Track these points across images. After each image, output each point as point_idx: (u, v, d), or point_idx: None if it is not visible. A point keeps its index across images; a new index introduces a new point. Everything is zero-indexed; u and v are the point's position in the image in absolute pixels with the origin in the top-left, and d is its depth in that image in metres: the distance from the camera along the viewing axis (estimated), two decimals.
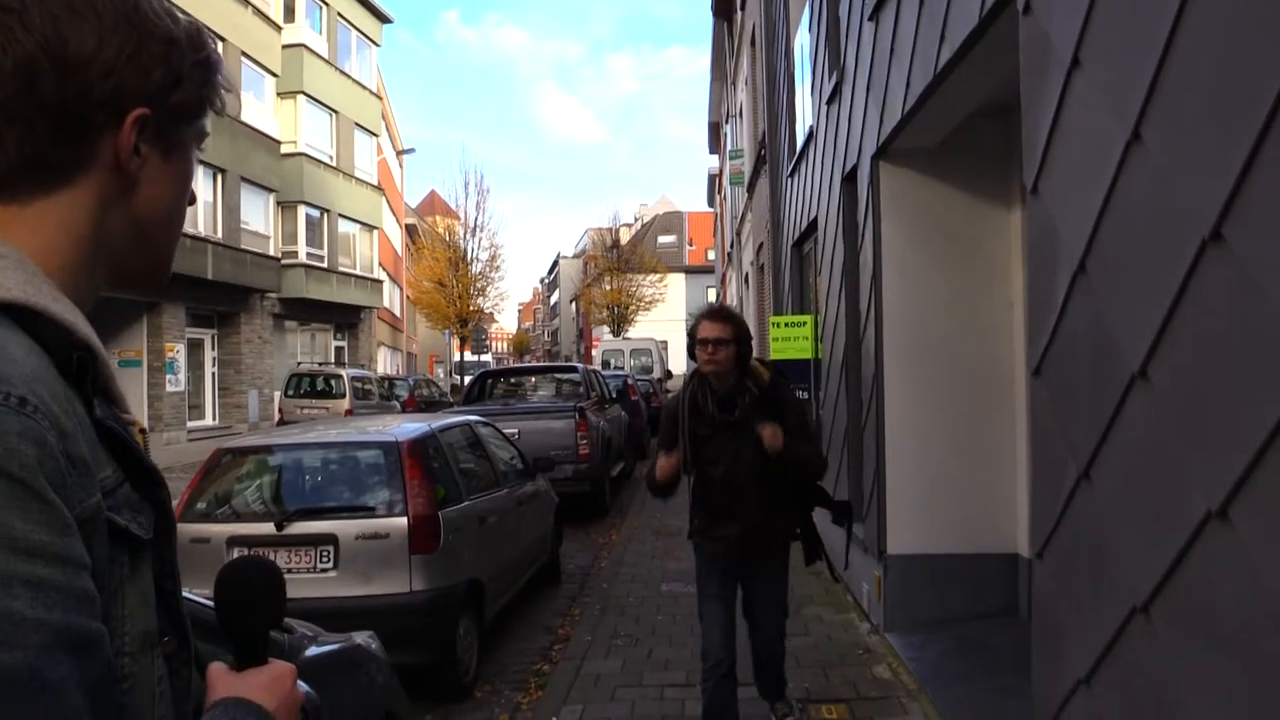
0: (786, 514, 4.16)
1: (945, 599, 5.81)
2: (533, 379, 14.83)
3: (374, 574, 5.26)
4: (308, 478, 6.02)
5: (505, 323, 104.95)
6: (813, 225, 9.10)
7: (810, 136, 9.15)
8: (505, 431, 8.39)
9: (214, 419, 23.94)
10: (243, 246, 23.74)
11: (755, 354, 4.21)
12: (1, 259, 0.80)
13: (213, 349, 24.43)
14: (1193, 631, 2.28)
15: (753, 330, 4.06)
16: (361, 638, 3.59)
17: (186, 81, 0.92)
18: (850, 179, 6.92)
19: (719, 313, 4.05)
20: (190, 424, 22.44)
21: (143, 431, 0.92)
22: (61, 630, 0.67)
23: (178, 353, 21.97)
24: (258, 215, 24.99)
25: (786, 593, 4.28)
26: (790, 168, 11.01)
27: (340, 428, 7.32)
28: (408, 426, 6.24)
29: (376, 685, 3.41)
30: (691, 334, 4.03)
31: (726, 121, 26.90)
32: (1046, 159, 3.05)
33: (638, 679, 5.47)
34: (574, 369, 14.34)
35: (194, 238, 21.33)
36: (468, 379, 22.78)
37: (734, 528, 4.03)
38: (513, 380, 14.56)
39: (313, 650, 3.13)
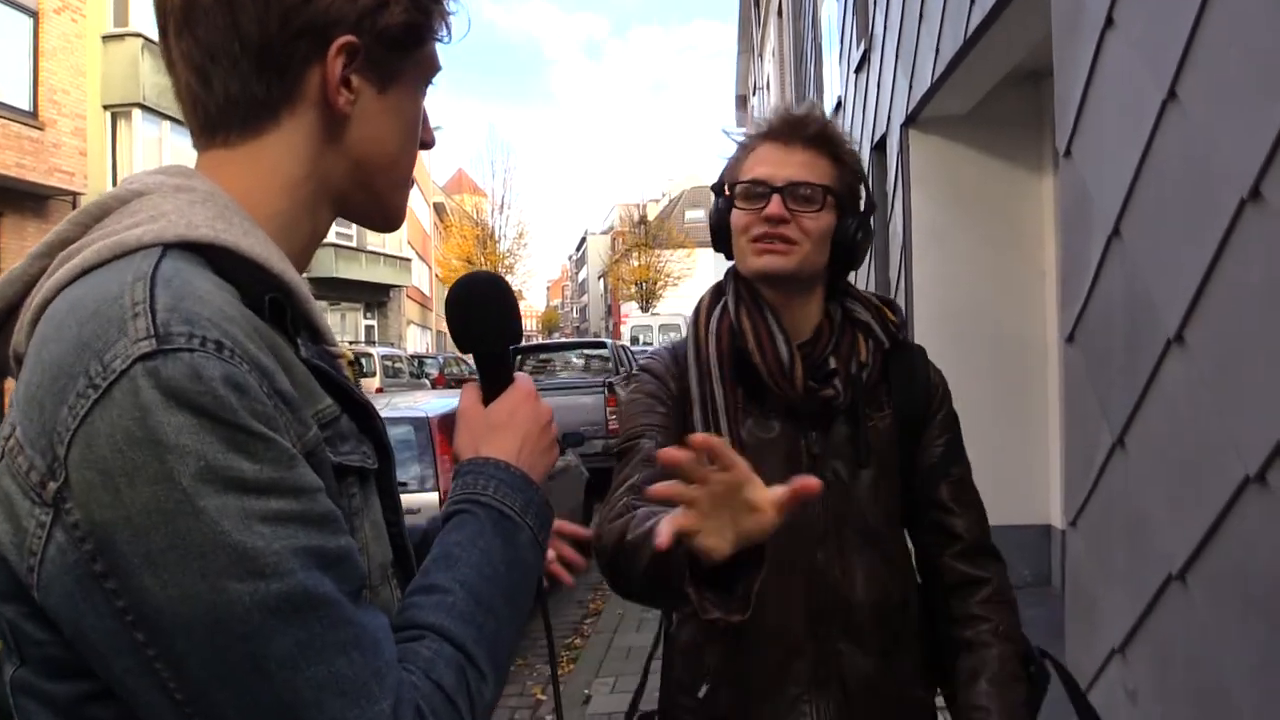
0: (926, 662, 1.63)
1: None
2: (562, 355, 14.84)
3: None
4: None
5: (533, 300, 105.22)
6: None
7: (838, 106, 9.06)
8: None
9: None
10: None
11: None
12: (189, 192, 0.78)
13: None
14: (1230, 599, 2.25)
15: None
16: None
17: (394, 4, 0.84)
18: (879, 148, 6.85)
19: (801, 124, 1.54)
20: None
21: (351, 364, 0.89)
22: (313, 551, 0.69)
23: None
24: None
25: None
26: None
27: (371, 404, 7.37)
28: (438, 402, 6.28)
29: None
30: (725, 186, 1.60)
31: (754, 94, 26.68)
32: (1080, 121, 3.00)
33: None
34: (603, 344, 14.36)
35: None
36: None
37: (822, 702, 1.52)
38: (542, 356, 14.56)
39: None
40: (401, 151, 0.90)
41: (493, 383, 1.01)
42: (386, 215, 0.93)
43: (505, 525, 0.89)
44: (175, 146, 20.36)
